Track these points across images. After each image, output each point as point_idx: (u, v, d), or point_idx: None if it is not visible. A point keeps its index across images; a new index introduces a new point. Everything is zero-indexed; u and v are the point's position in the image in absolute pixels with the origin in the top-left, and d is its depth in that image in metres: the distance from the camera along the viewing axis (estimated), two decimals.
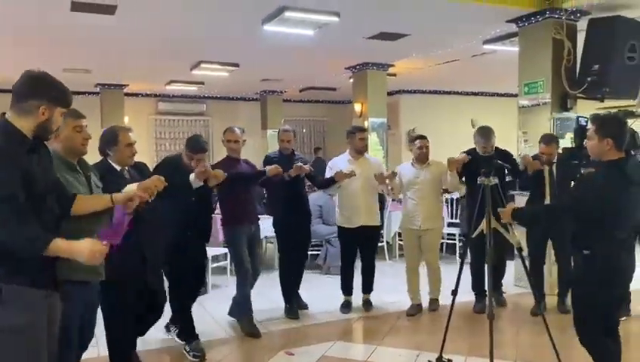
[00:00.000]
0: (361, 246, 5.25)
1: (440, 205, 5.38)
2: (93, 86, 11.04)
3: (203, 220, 4.24)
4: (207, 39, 7.17)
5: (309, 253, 7.14)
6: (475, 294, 5.27)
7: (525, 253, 4.34)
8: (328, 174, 5.21)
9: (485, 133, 5.13)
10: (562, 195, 4.89)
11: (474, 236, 3.87)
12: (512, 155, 5.31)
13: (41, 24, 6.21)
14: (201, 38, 7.06)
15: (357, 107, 9.34)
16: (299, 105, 13.85)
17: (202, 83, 10.83)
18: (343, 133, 11.51)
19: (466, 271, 5.38)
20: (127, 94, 11.59)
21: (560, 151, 4.94)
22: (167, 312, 4.08)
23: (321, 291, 5.94)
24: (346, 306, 5.24)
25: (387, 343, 4.42)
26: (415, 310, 5.19)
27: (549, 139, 4.97)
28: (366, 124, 9.13)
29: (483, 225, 3.57)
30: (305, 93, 12.73)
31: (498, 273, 5.38)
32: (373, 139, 9.15)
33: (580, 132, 3.34)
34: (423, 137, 5.18)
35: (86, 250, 2.08)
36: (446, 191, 5.69)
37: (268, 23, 6.02)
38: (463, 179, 5.17)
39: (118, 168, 3.33)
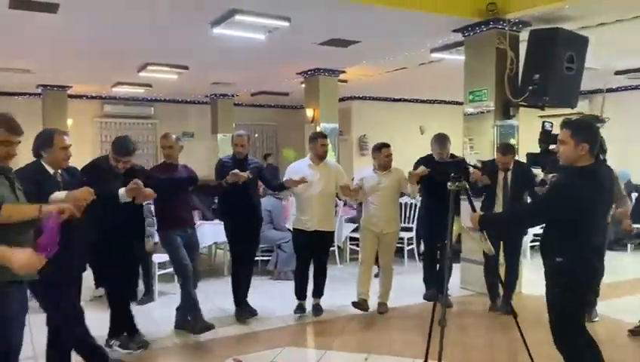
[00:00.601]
0: (315, 251, 5.28)
1: (398, 210, 5.52)
2: (35, 87, 10.59)
3: (131, 222, 4.21)
4: (154, 40, 7.01)
5: (260, 258, 7.11)
6: (425, 283, 5.63)
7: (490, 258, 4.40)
8: (287, 178, 5.25)
9: (441, 140, 5.43)
10: (522, 202, 5.11)
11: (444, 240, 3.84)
12: (466, 164, 5.46)
13: None
14: (148, 39, 6.90)
15: (309, 112, 9.36)
16: (250, 110, 13.76)
17: (150, 85, 10.58)
18: (294, 138, 11.52)
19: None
20: (70, 96, 11.18)
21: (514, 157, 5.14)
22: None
23: (271, 296, 5.90)
24: (300, 309, 5.26)
25: (336, 347, 4.43)
26: (363, 305, 5.26)
27: (505, 150, 5.16)
28: (318, 129, 9.14)
29: (458, 229, 3.60)
30: (256, 97, 12.66)
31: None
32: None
33: (546, 137, 3.36)
34: (388, 146, 5.28)
35: (23, 259, 2.12)
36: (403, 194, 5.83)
37: (217, 25, 5.95)
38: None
39: (52, 171, 3.31)
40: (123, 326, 4.33)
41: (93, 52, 7.52)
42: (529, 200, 5.17)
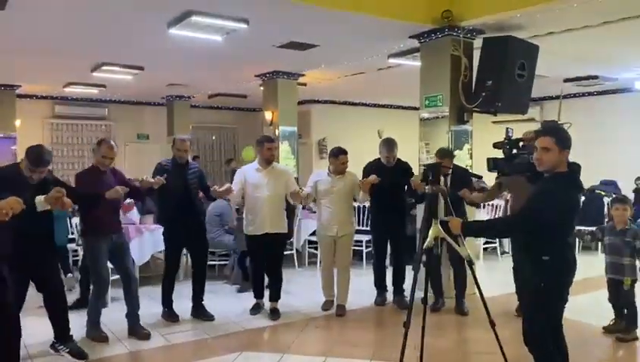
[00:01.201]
0: (267, 254, 5.29)
1: (352, 212, 5.58)
2: None
3: (42, 227, 4.06)
4: (109, 40, 6.83)
5: (217, 263, 7.03)
6: (377, 287, 5.73)
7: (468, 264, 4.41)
8: (236, 181, 5.29)
9: (388, 144, 5.59)
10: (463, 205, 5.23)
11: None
12: (411, 170, 5.66)
13: None
14: (102, 38, 6.72)
15: (267, 115, 9.32)
16: (208, 112, 13.59)
17: (104, 86, 10.30)
18: (253, 141, 11.48)
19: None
20: (19, 96, 10.77)
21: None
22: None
23: (228, 301, 5.84)
24: (256, 309, 5.34)
25: (294, 351, 4.41)
26: (329, 305, 5.45)
27: (443, 154, 5.33)
28: (277, 132, 9.13)
29: (435, 233, 3.55)
30: (214, 99, 12.51)
31: (396, 275, 5.72)
32: (284, 147, 9.17)
33: (510, 143, 3.44)
34: (345, 153, 5.33)
35: None
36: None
37: (174, 26, 5.85)
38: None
39: None
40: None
41: (43, 50, 7.27)
42: None
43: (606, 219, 8.00)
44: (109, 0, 5.22)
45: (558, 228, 3.00)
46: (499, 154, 3.65)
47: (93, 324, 4.59)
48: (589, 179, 9.82)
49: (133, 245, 6.15)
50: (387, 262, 5.88)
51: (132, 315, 4.69)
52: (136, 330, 4.66)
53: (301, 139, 10.99)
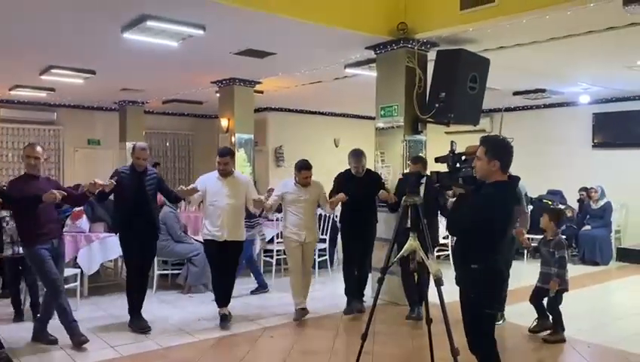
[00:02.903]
0: (224, 261, 5.33)
1: (316, 220, 5.83)
2: None
3: None
4: (58, 43, 6.61)
5: (170, 272, 6.88)
6: (347, 296, 5.75)
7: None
8: (197, 186, 5.32)
9: (356, 154, 5.71)
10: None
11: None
12: (381, 180, 5.81)
13: None
14: (51, 40, 6.49)
15: (223, 122, 9.23)
16: (162, 118, 13.33)
17: (53, 89, 9.95)
18: (210, 148, 11.31)
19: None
20: None
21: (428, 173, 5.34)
22: None
23: (181, 311, 5.72)
24: (225, 319, 5.24)
25: (249, 359, 4.36)
26: (300, 314, 5.44)
27: (415, 160, 5.54)
28: (233, 139, 9.05)
29: (410, 246, 3.55)
30: (169, 105, 12.29)
31: (361, 281, 5.81)
32: (240, 155, 9.09)
33: (454, 157, 3.50)
34: (308, 168, 5.45)
35: None
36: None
37: (128, 30, 5.72)
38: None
39: None
40: None
41: None
42: None
43: None
44: (60, 2, 5.06)
45: (489, 236, 3.05)
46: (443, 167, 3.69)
47: (42, 326, 4.59)
48: (536, 188, 10.20)
49: (82, 254, 5.98)
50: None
51: (42, 322, 4.63)
52: (43, 337, 4.61)
53: (257, 146, 10.93)
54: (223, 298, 5.34)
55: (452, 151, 3.48)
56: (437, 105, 5.96)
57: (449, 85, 5.93)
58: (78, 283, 5.80)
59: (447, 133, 7.57)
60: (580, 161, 10.65)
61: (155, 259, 6.48)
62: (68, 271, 5.70)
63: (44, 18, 5.59)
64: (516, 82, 9.23)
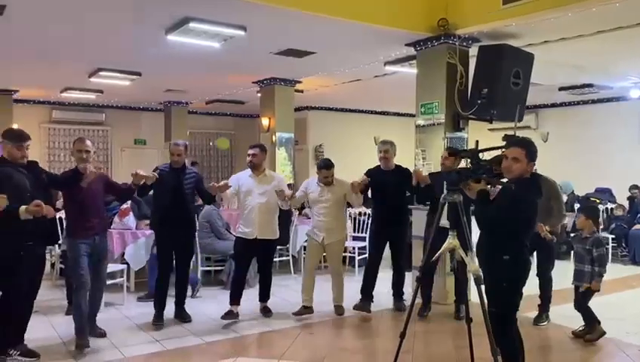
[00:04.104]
0: (257, 258, 5.47)
1: (343, 220, 5.64)
2: None
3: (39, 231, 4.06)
4: (107, 46, 6.86)
5: (213, 268, 7.02)
6: (362, 294, 5.61)
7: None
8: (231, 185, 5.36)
9: (384, 141, 5.64)
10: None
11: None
12: (410, 175, 5.56)
13: None
14: (99, 44, 6.75)
15: (264, 121, 9.35)
16: (205, 118, 13.63)
17: (101, 91, 10.33)
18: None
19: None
20: (17, 100, 10.80)
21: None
22: None
23: (224, 307, 5.83)
24: (229, 315, 5.24)
25: (288, 357, 4.40)
26: (303, 311, 5.41)
27: (450, 152, 5.31)
28: (273, 138, 9.16)
29: (449, 244, 3.53)
30: (211, 105, 12.54)
31: (398, 281, 5.74)
32: (281, 153, 9.20)
33: (477, 154, 3.52)
34: (328, 168, 5.37)
35: None
36: (350, 206, 5.91)
37: (172, 32, 5.88)
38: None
39: None
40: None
41: (41, 56, 7.29)
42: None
43: (601, 226, 8.03)
44: (107, 5, 5.25)
45: (520, 229, 3.26)
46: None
47: (91, 319, 4.64)
48: (584, 186, 9.91)
49: (129, 250, 6.18)
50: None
51: (90, 316, 4.67)
52: (92, 330, 4.67)
53: (297, 145, 11.01)
54: (237, 297, 5.32)
55: (477, 149, 3.48)
56: (479, 101, 5.88)
57: (491, 81, 5.83)
58: (125, 278, 6.00)
59: (490, 129, 7.42)
60: (630, 157, 10.26)
61: (199, 256, 6.65)
62: (115, 267, 5.96)
63: (92, 23, 5.81)
64: (562, 77, 8.98)
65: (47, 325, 5.05)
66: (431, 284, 5.50)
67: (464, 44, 6.13)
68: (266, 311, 5.46)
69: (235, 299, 5.31)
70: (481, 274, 3.40)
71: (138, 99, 11.75)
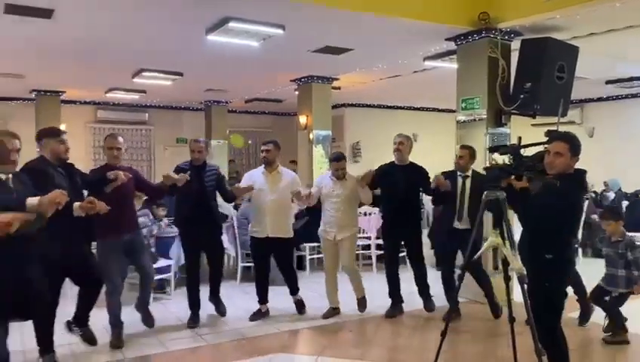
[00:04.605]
0: (274, 257, 5.41)
1: (355, 215, 5.49)
2: (29, 92, 10.57)
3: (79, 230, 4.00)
4: (149, 47, 7.03)
5: (252, 265, 7.10)
6: (391, 297, 5.49)
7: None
8: (243, 184, 5.37)
9: (400, 134, 5.50)
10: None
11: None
12: (426, 173, 5.41)
13: None
14: (142, 45, 6.91)
15: (302, 119, 9.39)
16: (244, 116, 13.79)
17: (144, 91, 10.59)
18: (288, 145, 11.57)
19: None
20: (64, 101, 11.17)
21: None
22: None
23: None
24: (257, 314, 5.29)
25: (328, 354, 4.42)
26: (330, 313, 5.36)
27: (464, 146, 5.32)
28: (311, 136, 9.19)
29: (491, 242, 3.48)
30: (250, 104, 12.69)
31: (419, 281, 5.54)
32: (318, 151, 9.23)
33: (518, 150, 3.46)
34: (340, 160, 5.31)
35: None
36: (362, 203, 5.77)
37: (212, 32, 5.97)
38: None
39: (3, 176, 3.16)
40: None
41: (86, 57, 7.52)
42: None
43: None
44: (150, 7, 5.38)
45: (564, 226, 3.17)
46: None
47: (114, 327, 4.54)
48: (631, 183, 9.55)
49: (175, 246, 6.29)
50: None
51: (142, 304, 4.78)
52: (145, 317, 4.80)
53: (335, 142, 11.01)
54: (263, 296, 5.35)
55: (518, 145, 3.41)
56: (522, 96, 5.74)
57: (535, 75, 5.69)
58: (172, 273, 6.16)
59: (533, 125, 7.25)
60: None
61: (240, 252, 6.74)
62: (165, 262, 6.10)
63: (136, 24, 5.96)
64: (609, 70, 8.68)
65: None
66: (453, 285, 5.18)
67: (506, 37, 6.00)
68: (299, 306, 5.44)
69: (261, 299, 5.35)
70: (525, 272, 3.34)
71: (179, 99, 11.99)
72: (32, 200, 3.01)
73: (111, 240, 4.38)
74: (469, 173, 5.17)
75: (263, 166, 5.36)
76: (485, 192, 3.47)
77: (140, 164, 12.63)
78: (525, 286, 3.28)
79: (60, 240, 3.69)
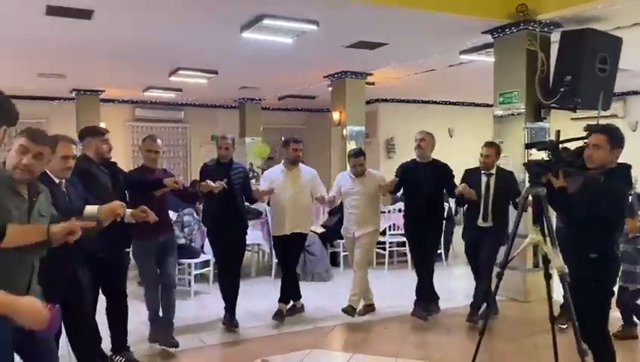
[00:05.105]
0: (290, 253, 5.32)
1: (376, 212, 5.36)
2: (69, 91, 10.88)
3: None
4: (185, 45, 7.13)
5: None
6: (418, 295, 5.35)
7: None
8: (263, 184, 5.29)
9: (421, 131, 5.41)
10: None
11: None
12: (451, 171, 5.25)
13: (15, 28, 6.10)
14: (179, 44, 7.02)
15: (335, 115, 9.38)
16: (277, 113, 13.86)
17: (180, 90, 10.76)
18: (322, 142, 11.53)
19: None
20: (103, 100, 11.45)
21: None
22: None
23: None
24: (279, 315, 5.15)
25: (364, 350, 4.42)
26: (364, 310, 5.28)
27: (489, 144, 5.14)
28: (344, 132, 9.17)
29: (531, 240, 3.39)
30: (284, 101, 12.74)
31: (427, 283, 5.35)
32: (351, 147, 9.17)
33: (556, 145, 3.36)
34: (358, 156, 5.20)
35: (32, 313, 1.74)
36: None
37: (246, 30, 6.02)
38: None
39: (56, 180, 3.09)
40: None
41: (125, 57, 7.69)
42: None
43: None
44: (186, 6, 5.45)
45: (609, 224, 3.07)
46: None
47: (153, 322, 4.44)
48: None
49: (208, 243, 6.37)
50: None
51: (165, 320, 4.43)
52: (164, 336, 4.38)
53: (368, 138, 10.95)
54: (287, 296, 5.26)
55: (557, 140, 3.31)
56: (562, 89, 5.59)
57: (575, 68, 5.53)
58: (211, 268, 6.26)
59: (573, 119, 7.05)
60: None
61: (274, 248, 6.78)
62: (205, 257, 6.22)
63: (172, 24, 6.05)
64: None
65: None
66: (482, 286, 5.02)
67: (545, 29, 5.84)
68: (294, 310, 5.30)
69: (285, 299, 5.26)
70: (566, 270, 3.24)
71: (214, 97, 12.14)
72: (91, 209, 2.94)
73: (147, 240, 4.26)
74: (494, 170, 5.05)
75: (283, 163, 5.29)
76: (525, 188, 3.40)
77: (177, 162, 12.86)
78: (567, 284, 3.19)
79: (107, 244, 3.60)
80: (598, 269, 3.07)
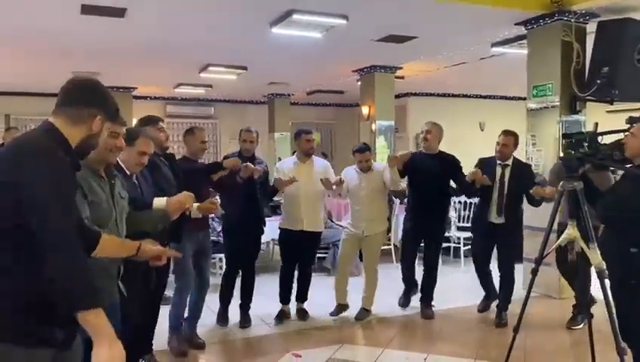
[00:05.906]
0: (301, 252, 5.10)
1: (385, 210, 5.25)
2: None
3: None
4: (215, 42, 7.20)
5: (317, 256, 7.16)
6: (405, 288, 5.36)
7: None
8: (276, 177, 5.10)
9: (427, 122, 5.29)
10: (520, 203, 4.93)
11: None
12: (459, 163, 5.11)
13: (51, 27, 6.26)
14: (209, 40, 7.09)
15: (364, 110, 9.33)
16: (306, 108, 13.87)
17: (210, 86, 10.87)
18: (351, 136, 11.50)
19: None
20: (135, 97, 11.65)
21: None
22: None
23: (328, 293, 5.93)
24: (281, 316, 5.03)
25: (394, 346, 4.41)
26: (339, 310, 5.15)
27: (507, 132, 4.94)
28: (373, 127, 9.12)
29: (568, 235, 3.32)
30: (312, 96, 12.75)
31: (431, 281, 5.26)
32: (380, 142, 9.14)
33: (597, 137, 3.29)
34: (363, 151, 4.98)
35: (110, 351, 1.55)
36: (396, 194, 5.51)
37: (276, 25, 6.04)
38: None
39: (128, 172, 2.99)
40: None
41: (157, 54, 7.80)
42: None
43: None
44: (217, 3, 5.49)
45: None
46: None
47: (174, 330, 4.24)
48: None
49: None
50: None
51: (191, 320, 4.36)
52: (190, 338, 4.34)
53: (398, 133, 10.86)
54: (287, 296, 5.07)
55: (595, 132, 3.22)
56: (598, 81, 5.45)
57: (613, 59, 5.38)
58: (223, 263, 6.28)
59: (608, 111, 6.86)
60: None
61: None
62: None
63: (203, 20, 6.11)
64: None
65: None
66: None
67: (581, 20, 5.69)
68: (302, 314, 5.11)
69: (285, 299, 5.08)
70: (604, 267, 3.16)
71: (244, 93, 12.22)
72: (160, 201, 2.83)
73: (186, 238, 4.03)
74: (510, 161, 4.86)
75: (296, 155, 5.14)
76: (561, 182, 3.32)
77: (207, 157, 12.97)
78: (606, 281, 3.12)
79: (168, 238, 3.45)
80: (637, 265, 2.98)
